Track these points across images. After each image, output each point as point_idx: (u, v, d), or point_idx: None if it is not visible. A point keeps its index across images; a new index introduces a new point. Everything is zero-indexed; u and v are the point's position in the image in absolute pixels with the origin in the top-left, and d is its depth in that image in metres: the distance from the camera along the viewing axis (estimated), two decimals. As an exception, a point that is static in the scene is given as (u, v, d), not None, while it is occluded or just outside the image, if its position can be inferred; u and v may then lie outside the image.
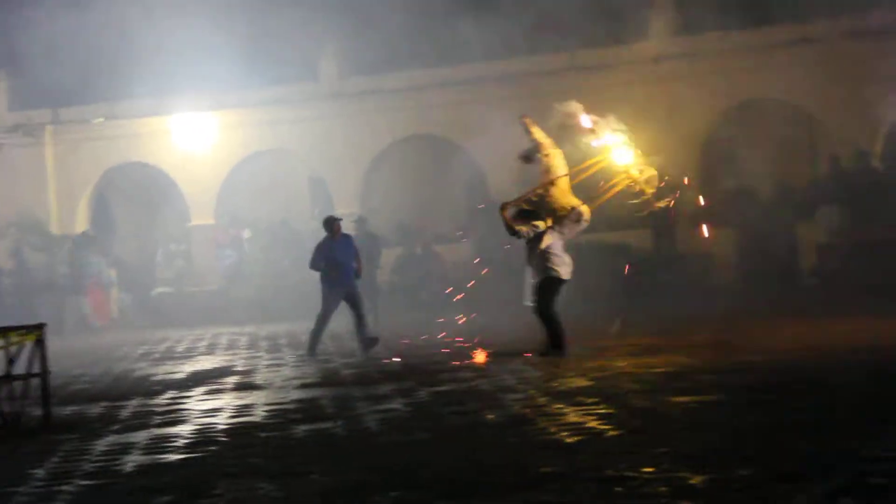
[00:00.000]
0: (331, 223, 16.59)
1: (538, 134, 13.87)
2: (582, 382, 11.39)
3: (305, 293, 25.09)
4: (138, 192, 29.06)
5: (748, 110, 23.59)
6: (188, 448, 9.06)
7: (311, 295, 24.94)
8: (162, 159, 27.69)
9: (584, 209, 13.78)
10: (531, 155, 14.03)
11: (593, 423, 8.89)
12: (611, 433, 8.45)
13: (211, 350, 18.74)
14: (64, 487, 7.73)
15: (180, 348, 19.51)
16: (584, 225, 13.94)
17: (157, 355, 18.41)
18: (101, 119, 27.79)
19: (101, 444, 9.50)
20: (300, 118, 26.63)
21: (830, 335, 14.13)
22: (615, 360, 13.01)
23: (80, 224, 28.34)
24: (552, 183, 13.70)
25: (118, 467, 8.41)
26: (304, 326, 21.67)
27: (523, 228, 13.75)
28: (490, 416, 9.61)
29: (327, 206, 27.37)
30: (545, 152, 13.79)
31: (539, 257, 13.67)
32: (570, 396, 10.42)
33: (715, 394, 10.06)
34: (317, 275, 16.77)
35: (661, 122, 22.96)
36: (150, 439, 9.62)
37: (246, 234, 26.89)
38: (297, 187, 28.57)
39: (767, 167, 23.80)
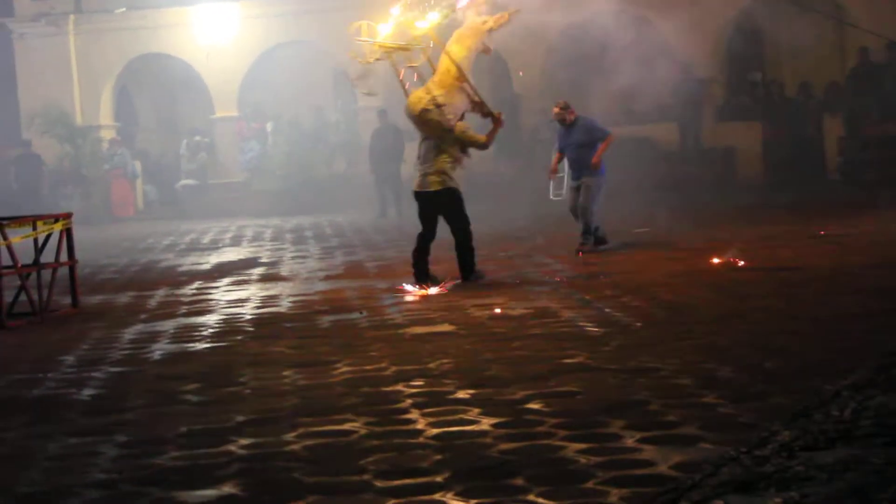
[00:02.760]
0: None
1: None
2: (606, 277, 11.41)
3: (329, 187, 25.20)
4: (161, 83, 28.97)
5: (772, 1, 23.17)
6: (214, 337, 9.15)
7: (333, 188, 25.09)
8: (184, 51, 27.52)
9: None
10: None
11: (619, 315, 8.92)
12: (636, 325, 8.47)
13: (236, 242, 18.82)
14: (93, 374, 7.82)
15: (205, 240, 19.59)
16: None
17: (182, 247, 18.50)
18: (123, 9, 27.57)
19: (129, 333, 9.60)
20: (323, 9, 26.32)
21: (856, 232, 14.05)
22: (637, 254, 13.02)
23: (105, 115, 28.32)
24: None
25: (146, 355, 8.50)
26: (329, 219, 21.79)
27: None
28: (513, 310, 9.64)
29: (350, 100, 27.26)
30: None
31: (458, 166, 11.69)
32: (595, 290, 10.44)
33: (740, 288, 10.06)
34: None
35: (685, 13, 22.61)
36: (177, 328, 9.71)
37: (269, 126, 26.79)
38: (321, 80, 28.38)
39: (795, 60, 23.48)
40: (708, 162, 23.26)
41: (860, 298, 9.04)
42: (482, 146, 11.81)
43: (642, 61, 21.30)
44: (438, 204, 11.47)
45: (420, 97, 11.53)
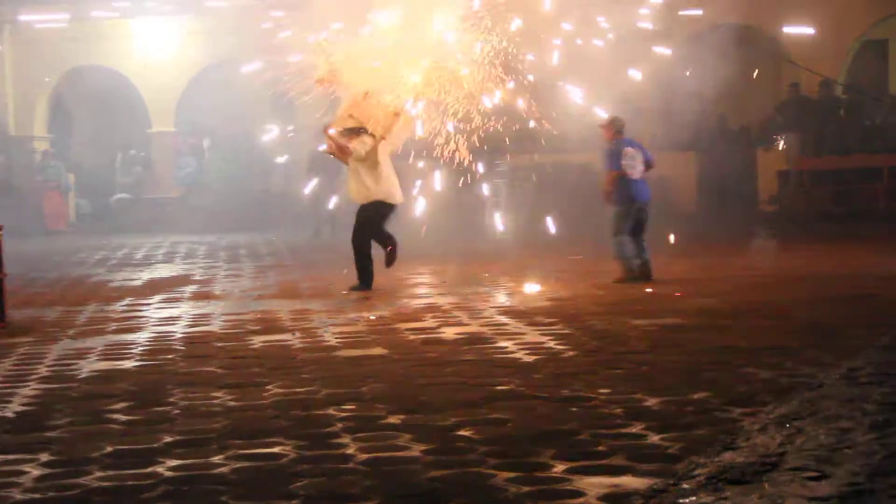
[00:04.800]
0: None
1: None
2: (541, 303, 11.46)
3: (264, 205, 25.11)
4: (98, 96, 28.69)
5: (707, 34, 23.48)
6: (144, 355, 9.05)
7: (268, 206, 24.98)
8: (123, 64, 27.31)
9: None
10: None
11: (551, 344, 8.95)
12: (568, 354, 8.51)
13: (169, 258, 18.67)
14: (19, 390, 7.70)
15: (138, 255, 19.41)
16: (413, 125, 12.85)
17: (114, 261, 18.31)
18: (61, 19, 27.30)
19: (57, 349, 9.47)
20: (265, 28, 26.21)
21: (788, 263, 14.26)
22: (574, 283, 13.09)
23: (39, 126, 28.01)
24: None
25: (74, 372, 8.39)
26: (263, 238, 21.70)
27: (354, 145, 12.55)
28: (448, 334, 9.65)
29: (288, 118, 27.15)
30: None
31: (372, 178, 12.59)
32: (529, 316, 10.49)
33: (672, 318, 10.15)
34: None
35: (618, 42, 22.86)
36: (106, 345, 9.59)
37: (206, 142, 26.65)
38: (259, 97, 28.24)
39: (728, 93, 23.80)
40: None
41: (787, 332, 9.15)
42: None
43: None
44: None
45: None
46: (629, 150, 13.00)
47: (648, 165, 13.11)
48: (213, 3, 26.23)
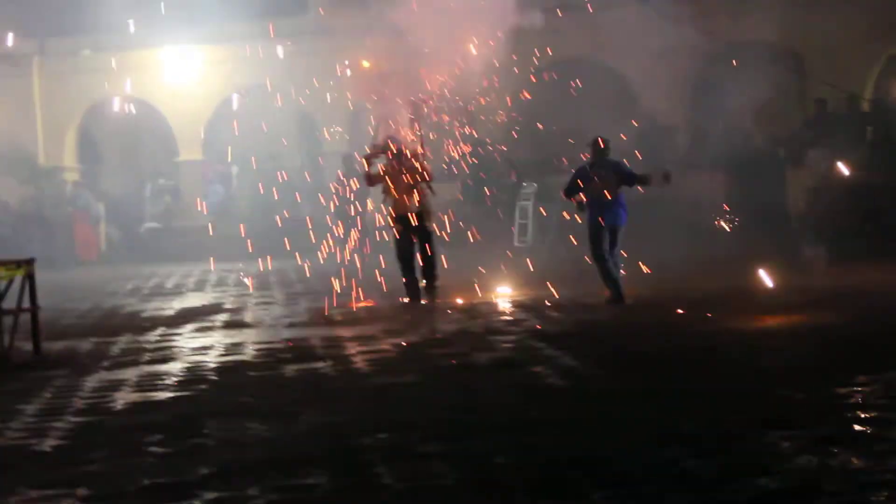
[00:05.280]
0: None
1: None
2: (573, 327, 11.45)
3: (293, 232, 25.15)
4: (125, 125, 28.89)
5: (736, 52, 23.43)
6: (178, 386, 9.09)
7: (299, 233, 25.05)
8: (149, 93, 27.49)
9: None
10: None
11: (584, 367, 8.93)
12: (601, 377, 8.49)
13: (200, 287, 18.75)
14: (55, 423, 7.75)
15: (169, 284, 19.50)
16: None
17: (146, 291, 18.40)
18: (88, 51, 27.55)
19: (92, 381, 9.52)
20: (289, 53, 26.41)
21: (825, 281, 14.18)
22: (605, 306, 13.07)
23: (69, 157, 28.23)
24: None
25: (109, 404, 8.43)
26: (292, 264, 21.74)
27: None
28: (480, 358, 9.65)
29: (315, 143, 27.32)
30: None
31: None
32: (561, 339, 10.47)
33: (711, 340, 10.10)
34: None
35: (650, 62, 22.90)
36: (141, 376, 9.63)
37: (234, 170, 26.76)
38: (286, 123, 28.41)
39: (756, 110, 23.74)
40: (671, 210, 23.33)
41: (823, 350, 9.11)
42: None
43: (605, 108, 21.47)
44: None
45: None
46: (602, 172, 13.18)
47: (629, 181, 13.24)
48: (237, 30, 26.39)
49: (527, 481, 5.67)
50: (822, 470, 5.58)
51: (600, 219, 13.08)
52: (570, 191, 13.43)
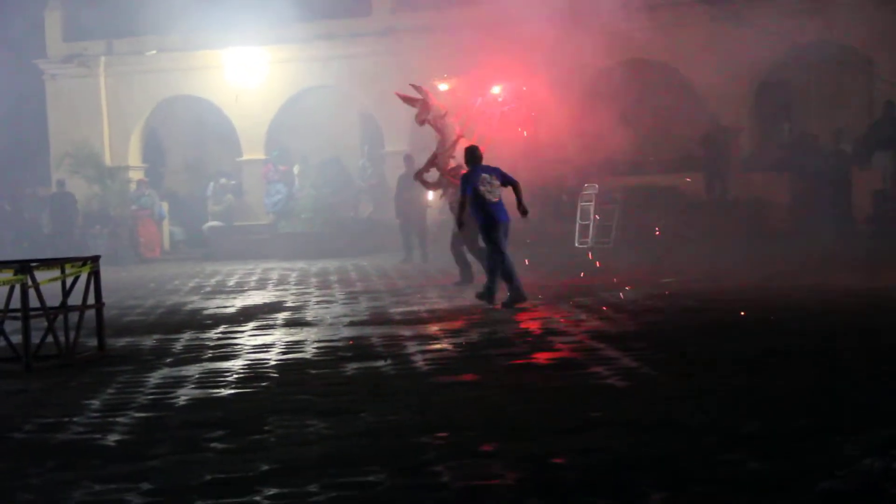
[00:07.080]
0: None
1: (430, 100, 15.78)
2: (633, 327, 11.38)
3: (355, 231, 25.30)
4: (189, 125, 29.19)
5: (804, 54, 23.18)
6: (239, 383, 9.15)
7: (360, 233, 25.20)
8: (214, 93, 27.75)
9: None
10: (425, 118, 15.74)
11: (645, 369, 8.88)
12: (662, 378, 8.44)
13: (261, 285, 18.87)
14: (119, 419, 7.84)
15: (231, 283, 19.65)
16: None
17: (207, 289, 18.56)
18: (154, 51, 27.87)
19: (155, 377, 9.62)
20: (351, 54, 26.55)
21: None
22: (664, 307, 12.98)
23: (133, 156, 28.59)
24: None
25: (171, 400, 8.52)
26: (354, 263, 21.85)
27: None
28: (540, 359, 9.63)
29: (377, 143, 27.42)
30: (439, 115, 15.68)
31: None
32: (621, 340, 10.41)
33: (768, 343, 10.00)
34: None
35: (717, 65, 22.76)
36: (203, 373, 9.72)
37: (296, 169, 26.92)
38: (348, 124, 28.56)
39: (823, 112, 23.51)
40: (735, 212, 23.16)
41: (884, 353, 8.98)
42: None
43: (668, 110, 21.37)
44: None
45: None
46: (485, 176, 13.56)
47: (512, 184, 13.62)
48: (301, 31, 26.56)
49: (586, 482, 5.64)
50: (885, 473, 5.51)
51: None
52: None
